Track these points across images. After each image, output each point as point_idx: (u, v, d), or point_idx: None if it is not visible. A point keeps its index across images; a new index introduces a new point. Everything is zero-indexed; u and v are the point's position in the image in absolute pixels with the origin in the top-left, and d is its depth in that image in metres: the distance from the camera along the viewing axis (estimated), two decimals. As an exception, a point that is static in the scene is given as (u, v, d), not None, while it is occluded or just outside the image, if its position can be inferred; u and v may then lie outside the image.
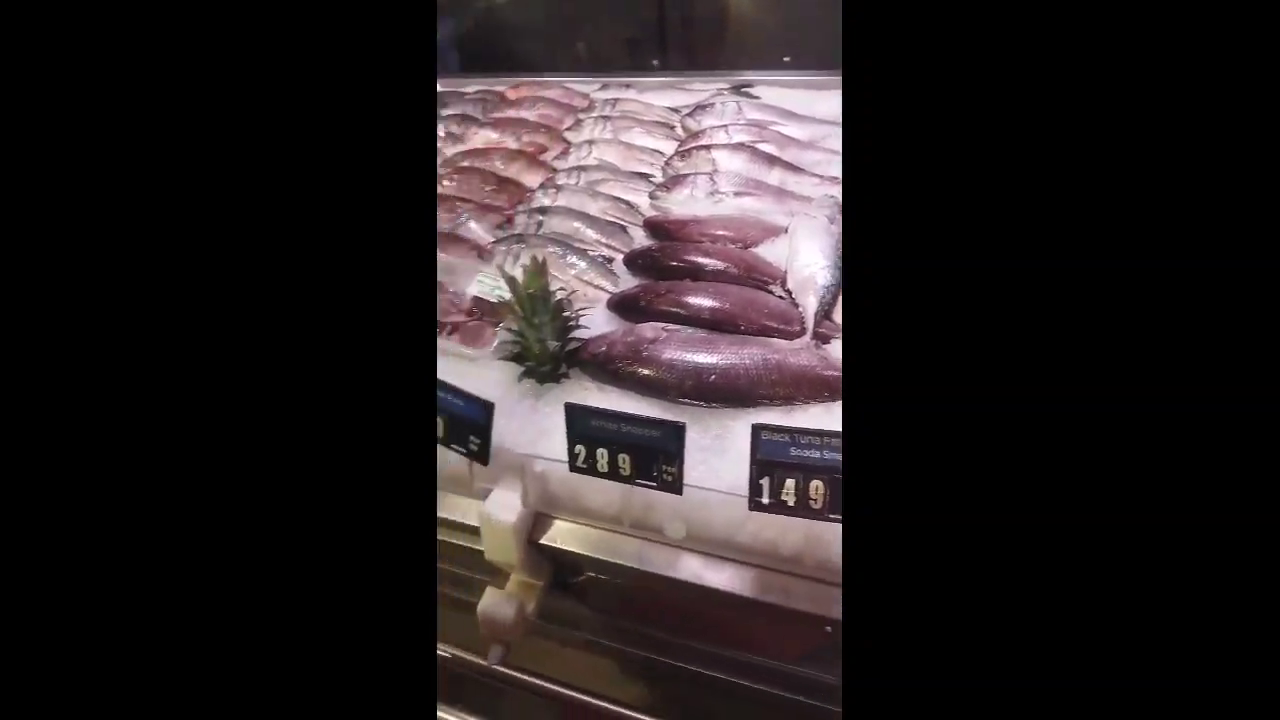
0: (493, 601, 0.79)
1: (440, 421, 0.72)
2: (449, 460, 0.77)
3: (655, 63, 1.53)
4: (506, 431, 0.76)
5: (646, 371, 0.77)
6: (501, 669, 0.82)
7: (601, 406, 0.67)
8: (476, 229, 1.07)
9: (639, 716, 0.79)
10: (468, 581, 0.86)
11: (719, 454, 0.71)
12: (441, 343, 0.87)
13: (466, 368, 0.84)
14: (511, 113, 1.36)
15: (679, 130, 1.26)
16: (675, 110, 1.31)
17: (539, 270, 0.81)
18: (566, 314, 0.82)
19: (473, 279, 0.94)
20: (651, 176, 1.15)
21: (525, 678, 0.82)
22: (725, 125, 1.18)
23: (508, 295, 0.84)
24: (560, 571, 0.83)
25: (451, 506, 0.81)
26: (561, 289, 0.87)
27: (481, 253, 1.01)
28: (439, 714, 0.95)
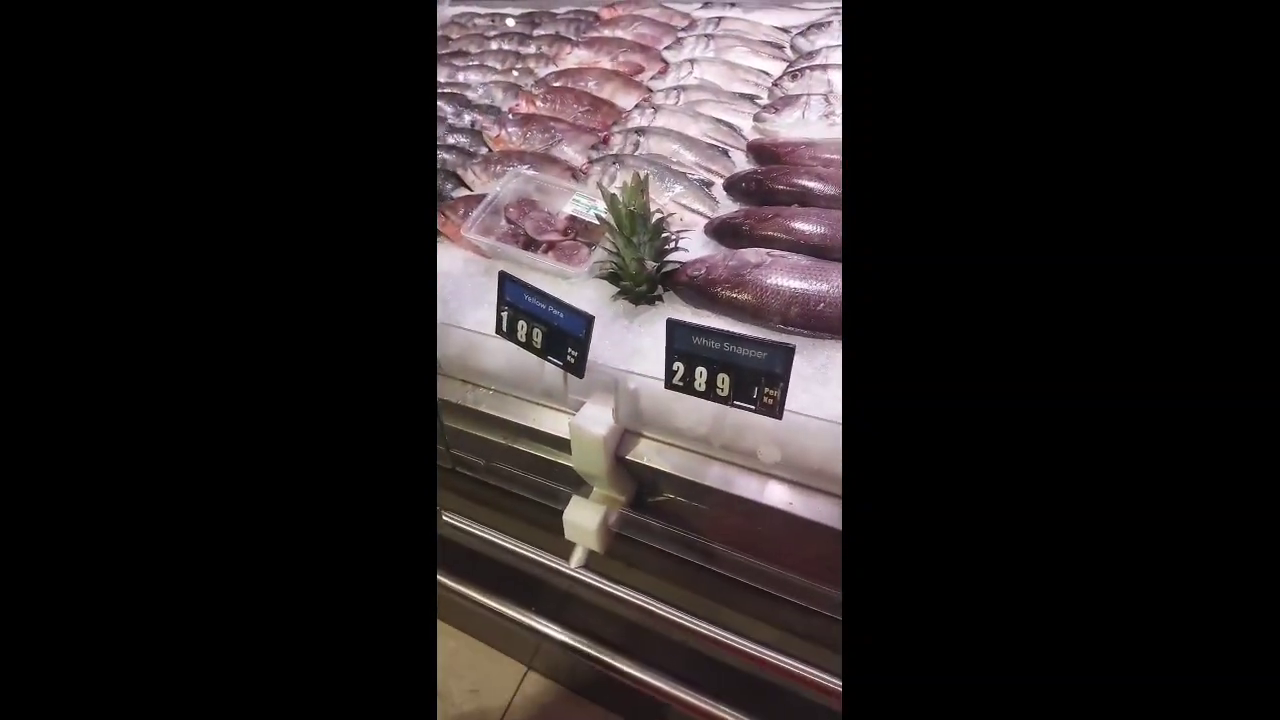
0: (578, 508, 0.82)
1: (539, 332, 0.73)
2: (545, 372, 0.79)
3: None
4: (600, 349, 0.76)
5: (747, 297, 0.75)
6: (582, 574, 0.86)
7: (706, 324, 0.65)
8: (570, 150, 1.05)
9: (709, 626, 0.81)
10: (554, 493, 0.90)
11: (822, 383, 0.69)
12: (536, 260, 0.87)
13: (560, 286, 0.85)
14: (607, 32, 1.31)
15: (788, 50, 1.17)
16: (784, 30, 1.22)
17: (640, 187, 0.79)
18: (665, 234, 0.81)
19: (567, 198, 0.94)
20: (757, 98, 1.08)
21: (604, 583, 0.86)
22: (842, 45, 1.09)
23: (604, 214, 0.83)
24: (643, 489, 0.85)
25: (543, 419, 0.84)
26: (658, 211, 0.84)
27: (575, 173, 1.00)
28: (518, 614, 1.02)
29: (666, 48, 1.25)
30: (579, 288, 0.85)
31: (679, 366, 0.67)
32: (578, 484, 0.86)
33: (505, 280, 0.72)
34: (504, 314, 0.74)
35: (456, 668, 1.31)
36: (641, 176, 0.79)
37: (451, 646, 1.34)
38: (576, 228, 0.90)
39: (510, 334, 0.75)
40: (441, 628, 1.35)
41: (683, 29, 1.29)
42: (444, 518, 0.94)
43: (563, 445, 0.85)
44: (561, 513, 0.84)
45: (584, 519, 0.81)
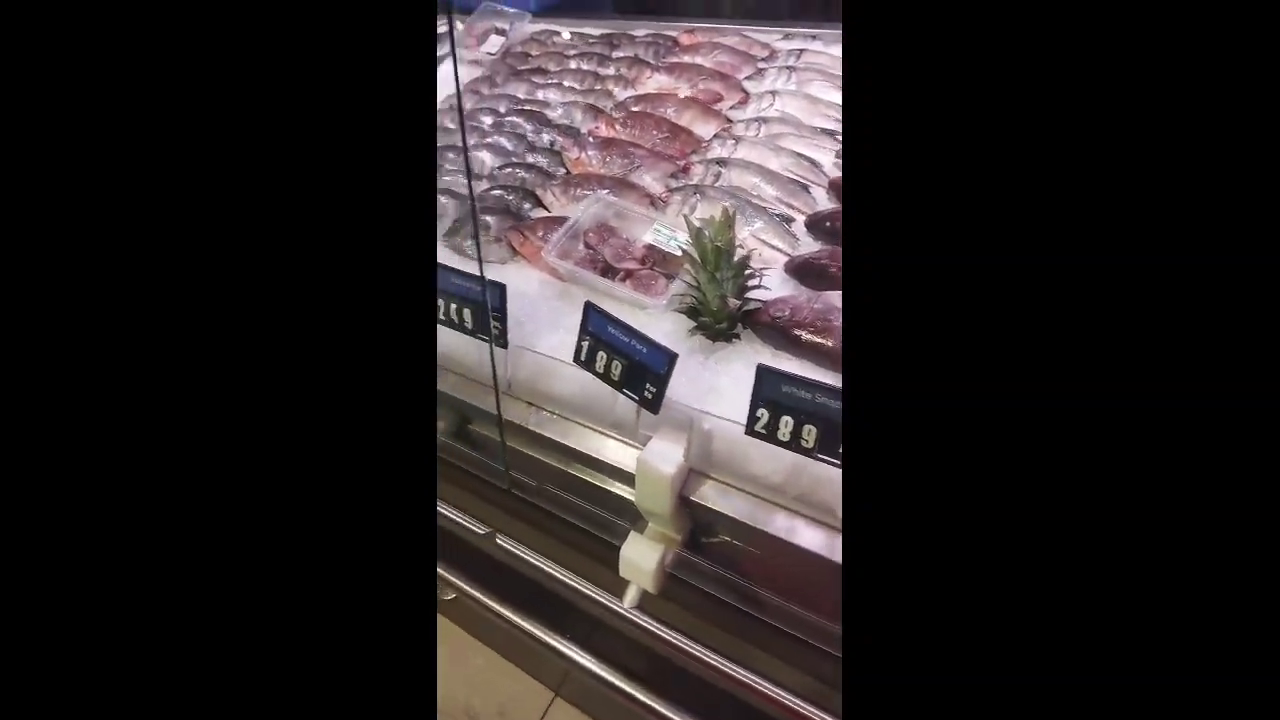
0: (636, 546, 0.80)
1: (619, 365, 0.72)
2: (617, 404, 0.78)
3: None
4: (674, 385, 0.74)
5: (833, 343, 0.72)
6: (635, 614, 0.84)
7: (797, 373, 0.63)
8: (648, 177, 1.05)
9: (742, 671, 0.78)
10: (605, 522, 0.88)
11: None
12: (613, 288, 0.86)
13: (636, 316, 0.84)
14: (686, 58, 1.31)
15: (872, 87, 1.15)
16: (868, 65, 1.20)
17: (728, 223, 0.77)
18: (749, 271, 0.79)
19: (645, 226, 0.93)
20: (838, 134, 1.06)
21: (655, 626, 0.84)
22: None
23: (686, 246, 0.81)
24: (698, 529, 0.82)
25: (605, 448, 0.83)
26: (740, 247, 0.83)
27: (654, 201, 0.99)
28: (549, 637, 1.00)
29: (747, 78, 1.24)
30: (655, 319, 0.84)
31: (763, 414, 0.64)
32: (634, 518, 0.84)
33: (590, 310, 0.71)
34: (584, 343, 0.73)
35: (483, 685, 1.30)
36: (730, 211, 0.77)
37: (479, 663, 1.32)
38: (654, 257, 0.89)
39: (588, 364, 0.74)
40: (471, 643, 1.34)
41: (763, 59, 1.28)
42: (498, 541, 0.93)
43: (618, 475, 0.83)
44: (607, 541, 0.82)
45: (642, 558, 0.79)
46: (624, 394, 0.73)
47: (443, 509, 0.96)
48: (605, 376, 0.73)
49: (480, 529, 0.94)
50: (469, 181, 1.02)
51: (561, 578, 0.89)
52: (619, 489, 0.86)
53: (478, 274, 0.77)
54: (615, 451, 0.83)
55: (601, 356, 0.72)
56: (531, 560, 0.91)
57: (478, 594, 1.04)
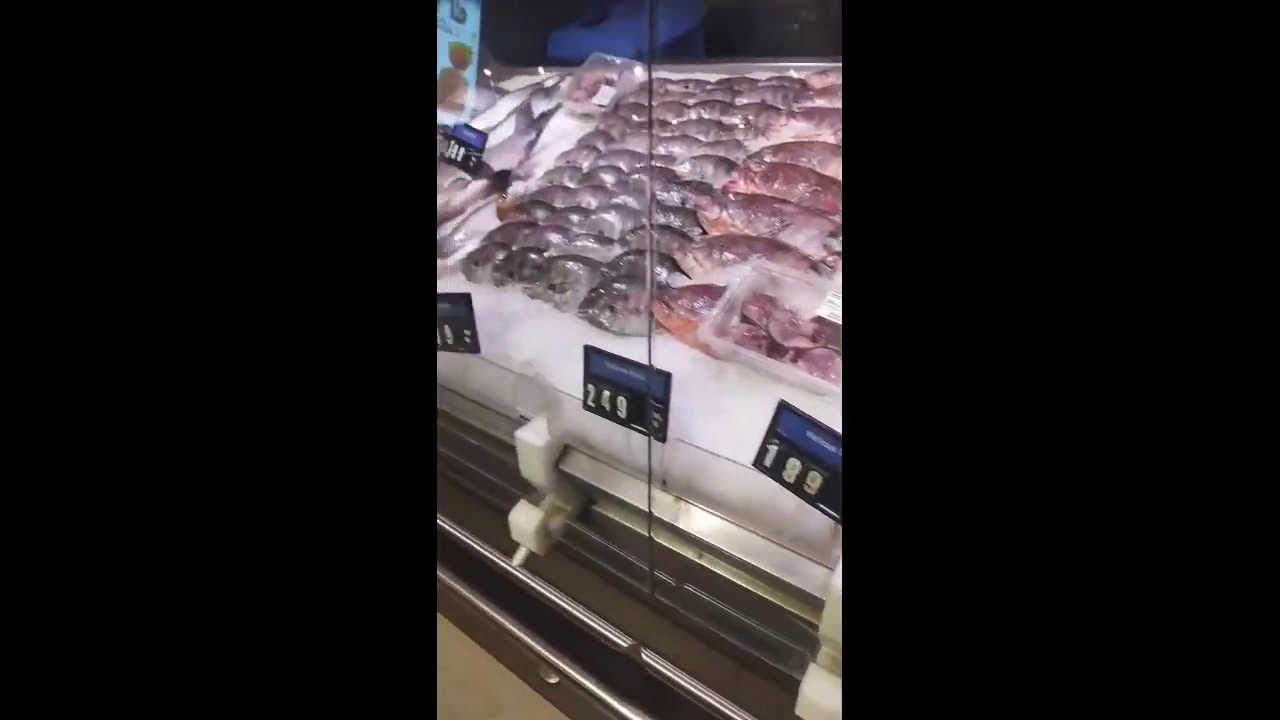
0: (820, 683, 0.67)
1: (818, 477, 0.60)
2: (804, 516, 0.66)
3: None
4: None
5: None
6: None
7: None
8: (800, 236, 0.94)
9: None
10: (776, 647, 0.75)
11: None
12: (780, 370, 0.75)
13: (812, 403, 0.72)
14: (822, 102, 1.21)
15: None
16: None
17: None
18: (962, 359, 0.66)
19: (809, 295, 0.82)
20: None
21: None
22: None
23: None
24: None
25: (778, 561, 0.71)
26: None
27: (815, 265, 0.88)
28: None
29: (896, 121, 1.12)
30: (834, 408, 0.72)
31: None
32: (809, 641, 0.71)
33: (784, 411, 0.60)
34: (772, 447, 0.62)
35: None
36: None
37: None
38: (828, 333, 0.77)
39: (774, 471, 0.63)
40: (584, 737, 1.22)
41: (910, 100, 1.16)
42: (643, 655, 0.81)
43: (788, 590, 0.71)
44: (771, 664, 0.69)
45: (826, 698, 0.65)
46: (818, 509, 0.61)
47: (578, 611, 0.87)
48: (797, 488, 0.62)
49: (622, 640, 0.83)
50: (650, 254, 0.94)
51: (721, 707, 0.76)
52: (791, 606, 0.74)
53: (632, 358, 0.69)
54: (787, 563, 0.71)
55: (795, 464, 0.61)
56: (686, 684, 0.79)
57: (585, 681, 0.93)
